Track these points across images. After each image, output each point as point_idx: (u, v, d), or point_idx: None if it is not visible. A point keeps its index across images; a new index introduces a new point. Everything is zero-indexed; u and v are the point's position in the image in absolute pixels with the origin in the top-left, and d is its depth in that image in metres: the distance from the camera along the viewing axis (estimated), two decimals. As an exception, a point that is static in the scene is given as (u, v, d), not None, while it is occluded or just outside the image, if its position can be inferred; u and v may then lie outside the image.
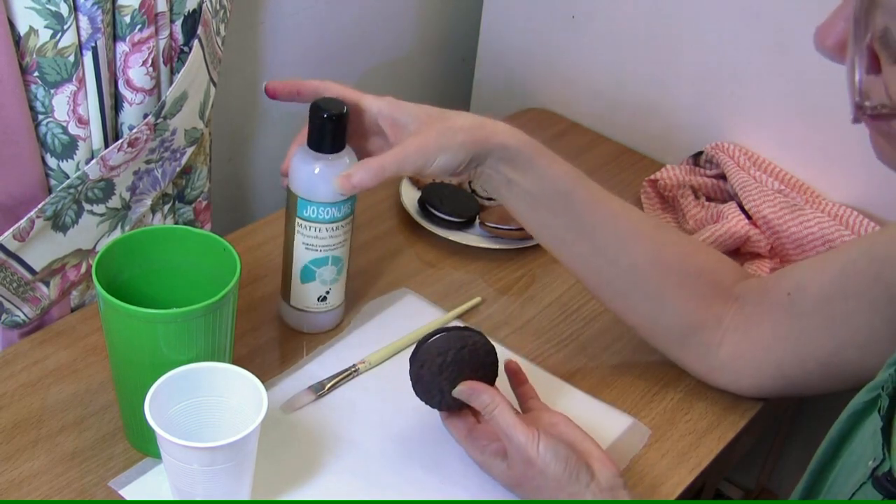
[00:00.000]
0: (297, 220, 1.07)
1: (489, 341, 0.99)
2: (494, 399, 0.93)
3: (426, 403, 0.99)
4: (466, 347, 0.97)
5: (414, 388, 0.99)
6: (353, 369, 1.09)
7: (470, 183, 1.40)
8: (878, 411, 0.76)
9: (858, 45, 0.60)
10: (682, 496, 1.02)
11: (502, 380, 1.02)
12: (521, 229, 1.28)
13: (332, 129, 1.02)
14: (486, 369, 0.98)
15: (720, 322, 1.05)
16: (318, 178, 1.03)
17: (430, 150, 0.97)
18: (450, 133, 0.98)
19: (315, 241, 1.08)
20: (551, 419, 0.97)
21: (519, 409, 1.00)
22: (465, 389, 0.95)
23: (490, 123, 1.01)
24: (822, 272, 0.99)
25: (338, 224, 1.07)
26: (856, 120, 0.63)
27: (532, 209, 1.03)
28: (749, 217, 1.33)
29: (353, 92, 1.03)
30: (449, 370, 0.96)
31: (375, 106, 1.02)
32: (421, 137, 0.98)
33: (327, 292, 1.13)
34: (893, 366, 0.78)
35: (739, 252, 1.33)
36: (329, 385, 1.07)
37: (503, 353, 1.14)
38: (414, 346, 0.99)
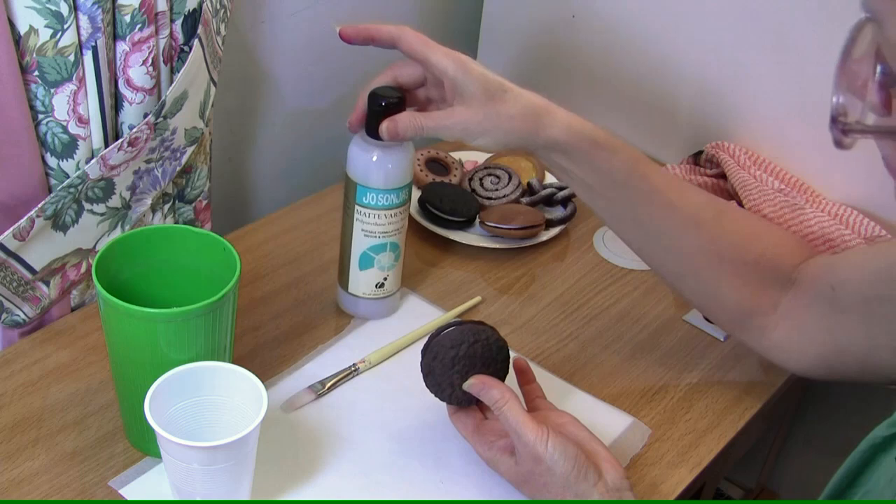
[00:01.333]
0: (356, 206, 1.09)
1: (501, 337, 0.99)
2: (504, 395, 0.93)
3: (436, 396, 0.99)
4: (479, 342, 0.97)
5: (425, 381, 0.99)
6: (352, 369, 1.09)
7: (470, 182, 1.40)
8: None
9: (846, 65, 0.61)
10: (683, 495, 1.02)
11: (510, 378, 1.01)
12: (522, 228, 1.28)
13: (390, 116, 1.03)
14: (497, 365, 0.98)
15: (776, 306, 1.04)
16: (376, 165, 1.06)
17: (471, 129, 0.98)
18: (497, 119, 0.98)
19: (374, 228, 1.10)
20: (559, 419, 0.96)
21: (525, 407, 1.00)
22: (475, 383, 0.95)
23: (546, 113, 1.00)
24: (864, 271, 0.99)
25: (395, 210, 1.09)
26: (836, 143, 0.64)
27: (587, 195, 1.04)
28: (749, 216, 1.33)
29: (423, 45, 1.02)
30: (461, 363, 0.96)
31: (442, 64, 1.00)
32: (468, 114, 0.98)
33: (385, 279, 1.14)
34: None
35: (739, 251, 1.33)
36: (329, 384, 1.07)
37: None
38: (426, 339, 0.99)
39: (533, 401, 1.02)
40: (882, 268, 0.97)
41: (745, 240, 1.05)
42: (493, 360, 0.98)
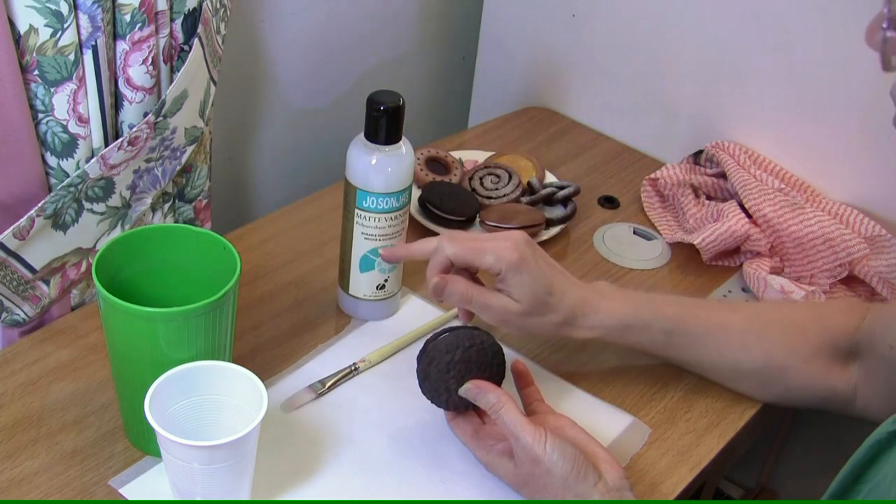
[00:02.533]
0: (356, 210, 1.09)
1: (497, 342, 1.00)
2: (501, 398, 0.93)
3: (432, 402, 0.99)
4: (475, 346, 0.97)
5: (421, 387, 0.99)
6: (353, 368, 1.09)
7: (470, 181, 1.40)
8: None
9: None
10: (682, 495, 1.02)
11: (507, 381, 1.01)
12: (522, 228, 1.28)
13: (389, 121, 1.04)
14: (493, 369, 0.98)
15: (850, 381, 1.05)
16: (375, 169, 1.06)
17: (511, 323, 1.03)
18: (539, 322, 1.03)
19: (374, 231, 1.10)
20: (557, 422, 0.97)
21: (523, 411, 1.00)
22: (471, 388, 0.95)
23: (582, 313, 1.04)
24: None
25: (396, 213, 1.10)
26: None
27: (643, 353, 1.10)
28: (749, 216, 1.33)
29: (470, 251, 1.02)
30: (457, 368, 0.96)
31: (494, 266, 1.01)
32: (513, 307, 1.01)
33: (385, 280, 1.15)
34: None
35: (740, 251, 1.33)
36: (329, 384, 1.07)
37: (506, 353, 1.14)
38: (422, 344, 1.00)
39: (531, 404, 1.02)
40: None
41: (799, 338, 1.07)
42: (489, 364, 0.98)
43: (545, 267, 1.03)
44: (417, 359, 0.99)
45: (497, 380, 0.98)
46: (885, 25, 0.63)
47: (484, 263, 1.00)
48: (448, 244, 1.01)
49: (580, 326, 1.04)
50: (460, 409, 0.99)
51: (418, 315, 1.19)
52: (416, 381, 0.99)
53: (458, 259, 1.01)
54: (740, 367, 1.08)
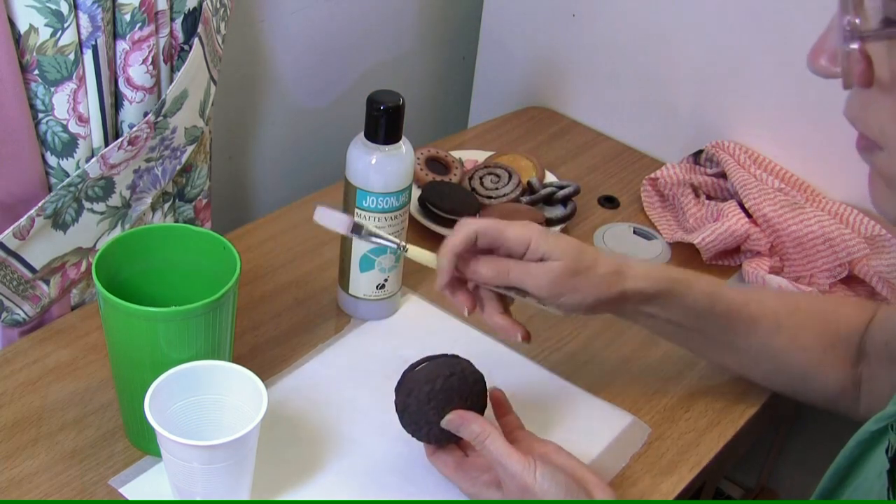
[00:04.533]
0: (356, 210, 1.09)
1: (477, 370, 0.96)
2: (485, 429, 0.90)
3: (413, 435, 0.95)
4: (454, 375, 0.93)
5: (400, 420, 0.95)
6: (400, 245, 1.01)
7: (470, 181, 1.40)
8: (887, 451, 0.75)
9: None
10: (683, 494, 1.02)
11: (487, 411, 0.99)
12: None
13: (389, 120, 1.04)
14: (475, 398, 0.95)
15: (857, 381, 1.05)
16: (376, 168, 1.06)
17: (560, 284, 0.95)
18: (587, 277, 0.97)
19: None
20: (543, 448, 0.94)
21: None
22: (454, 419, 0.92)
23: (627, 268, 0.99)
24: None
25: (396, 213, 1.10)
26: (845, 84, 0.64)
27: (681, 336, 1.07)
28: (749, 215, 1.33)
29: (496, 228, 0.98)
30: (437, 399, 0.92)
31: (522, 237, 0.97)
32: (559, 268, 0.95)
33: (385, 280, 1.14)
34: None
35: (740, 250, 1.33)
36: (371, 233, 1.01)
37: (503, 352, 1.14)
38: (399, 376, 0.96)
39: (512, 432, 0.99)
40: None
41: (821, 326, 1.06)
42: (471, 392, 0.94)
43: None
44: (395, 391, 0.95)
45: (479, 408, 0.95)
46: (843, 40, 0.62)
47: (510, 234, 0.96)
48: (471, 222, 0.97)
49: (631, 276, 0.98)
50: (441, 441, 0.95)
51: (418, 315, 1.19)
52: None
53: (484, 232, 0.96)
54: (766, 353, 1.05)
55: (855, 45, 0.61)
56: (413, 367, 0.95)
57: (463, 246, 0.96)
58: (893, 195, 0.66)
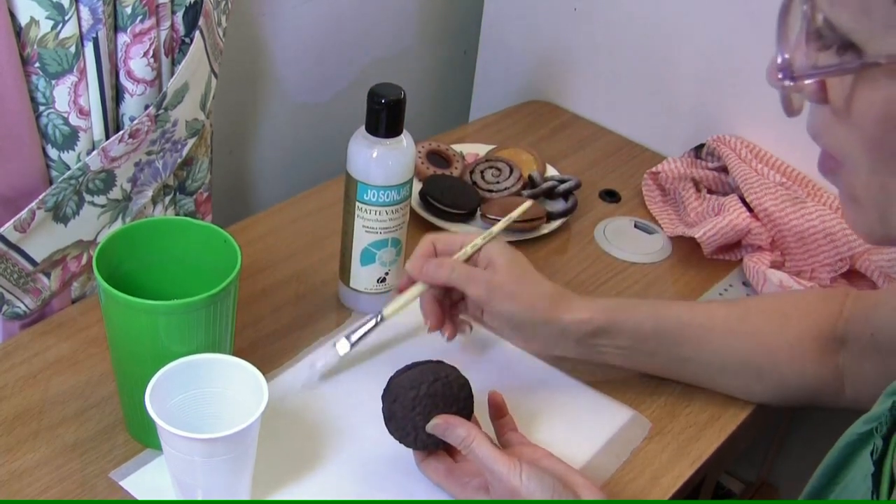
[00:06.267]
0: (357, 203, 1.09)
1: (462, 375, 0.96)
2: (471, 432, 0.90)
3: (400, 441, 0.95)
4: (439, 380, 0.93)
5: (387, 426, 0.95)
6: (378, 318, 1.06)
7: (471, 174, 1.40)
8: (872, 454, 0.75)
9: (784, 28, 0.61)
10: (683, 489, 1.02)
11: (483, 412, 0.99)
12: (523, 221, 1.28)
13: (390, 114, 1.04)
14: (460, 403, 0.94)
15: (838, 371, 1.04)
16: (377, 162, 1.06)
17: (499, 289, 1.01)
18: (527, 288, 1.02)
19: (375, 224, 1.10)
20: (533, 453, 0.94)
21: (497, 443, 0.96)
22: (439, 423, 0.92)
23: (568, 297, 1.03)
24: None
25: (397, 206, 1.09)
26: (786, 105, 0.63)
27: (631, 359, 1.07)
28: (750, 210, 1.33)
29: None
30: (422, 404, 0.92)
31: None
32: (500, 275, 1.01)
33: (386, 274, 1.15)
34: (892, 397, 0.77)
35: (741, 245, 1.33)
36: (356, 339, 1.06)
37: (504, 347, 1.14)
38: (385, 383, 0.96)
39: (505, 434, 0.99)
40: None
41: (781, 321, 1.06)
42: (456, 398, 0.94)
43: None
44: (381, 398, 0.95)
45: (465, 414, 0.95)
46: (780, 76, 0.61)
47: (468, 236, 1.04)
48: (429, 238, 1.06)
49: (572, 307, 1.02)
50: (430, 447, 0.95)
51: (419, 309, 1.19)
52: None
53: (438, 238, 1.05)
54: (729, 360, 1.06)
55: (789, 83, 0.60)
56: (398, 373, 0.95)
57: (425, 251, 1.04)
58: (863, 212, 0.64)
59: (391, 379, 0.95)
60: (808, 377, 1.05)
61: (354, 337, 1.06)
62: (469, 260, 1.04)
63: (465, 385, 0.95)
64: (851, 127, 0.59)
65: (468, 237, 1.04)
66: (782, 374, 1.06)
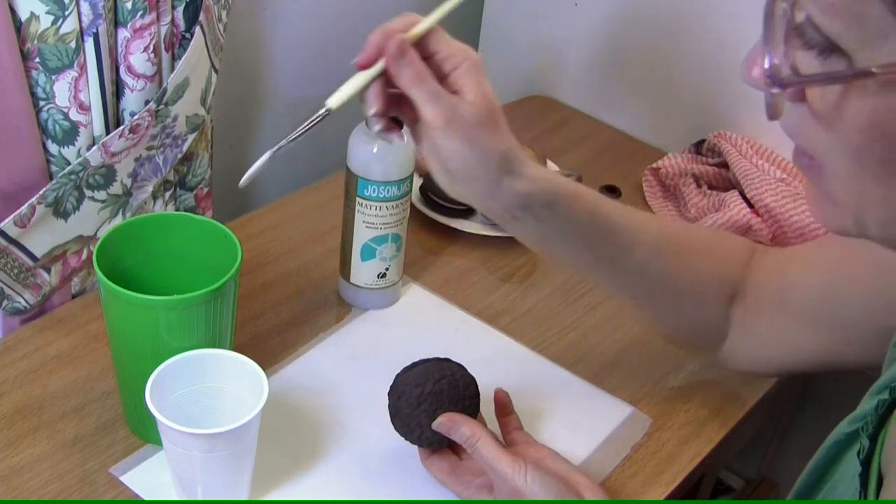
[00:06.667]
0: (358, 199, 1.09)
1: (469, 373, 0.95)
2: (475, 431, 0.90)
3: (406, 438, 0.95)
4: (445, 378, 0.93)
5: (392, 422, 0.95)
6: (325, 111, 0.93)
7: (472, 171, 1.40)
8: (858, 454, 0.74)
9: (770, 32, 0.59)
10: (683, 485, 1.02)
11: (488, 409, 0.99)
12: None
13: None
14: (466, 402, 0.94)
15: (729, 317, 1.03)
16: (377, 157, 1.06)
17: (459, 130, 0.85)
18: (486, 139, 0.86)
19: (375, 220, 1.10)
20: (537, 453, 0.93)
21: (502, 440, 0.97)
22: (444, 422, 0.91)
23: (518, 164, 0.89)
24: (815, 273, 0.98)
25: (397, 202, 1.10)
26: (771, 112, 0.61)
27: (550, 245, 0.97)
28: (751, 205, 1.33)
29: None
30: (427, 402, 0.92)
31: (456, 52, 0.88)
32: (468, 109, 0.85)
33: (387, 269, 1.15)
34: (877, 396, 0.77)
35: (741, 241, 1.33)
36: (298, 135, 0.94)
37: (504, 342, 1.14)
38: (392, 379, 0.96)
39: (510, 433, 0.98)
40: (836, 266, 0.96)
41: (700, 259, 1.02)
42: (462, 396, 0.94)
43: None
44: (388, 395, 0.95)
45: (471, 412, 0.94)
46: (769, 82, 0.59)
47: (448, 48, 0.88)
48: (411, 15, 0.90)
49: (519, 174, 0.88)
50: (434, 445, 0.95)
51: (419, 304, 1.19)
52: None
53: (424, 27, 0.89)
54: (643, 277, 0.99)
55: (778, 90, 0.59)
56: (404, 370, 0.95)
57: (400, 29, 0.88)
58: (838, 211, 0.62)
59: (398, 376, 0.95)
60: (705, 315, 1.02)
61: (296, 134, 0.94)
62: (434, 63, 0.88)
63: (471, 383, 0.95)
64: (834, 132, 0.58)
65: (449, 39, 0.89)
66: (681, 305, 1.02)
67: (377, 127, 0.89)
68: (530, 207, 0.90)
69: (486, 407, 0.98)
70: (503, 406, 1.00)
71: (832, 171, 0.60)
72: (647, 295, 1.01)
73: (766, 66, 0.58)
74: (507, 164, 0.87)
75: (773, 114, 0.62)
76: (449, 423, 0.91)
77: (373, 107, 0.88)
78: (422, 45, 0.88)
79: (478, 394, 0.95)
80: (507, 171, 0.87)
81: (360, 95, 0.88)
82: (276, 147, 0.89)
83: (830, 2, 0.53)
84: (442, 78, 0.87)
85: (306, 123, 0.91)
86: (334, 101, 0.89)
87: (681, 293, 1.01)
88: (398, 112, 0.89)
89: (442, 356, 0.96)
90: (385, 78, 0.87)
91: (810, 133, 0.60)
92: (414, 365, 0.95)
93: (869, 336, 0.91)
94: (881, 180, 0.57)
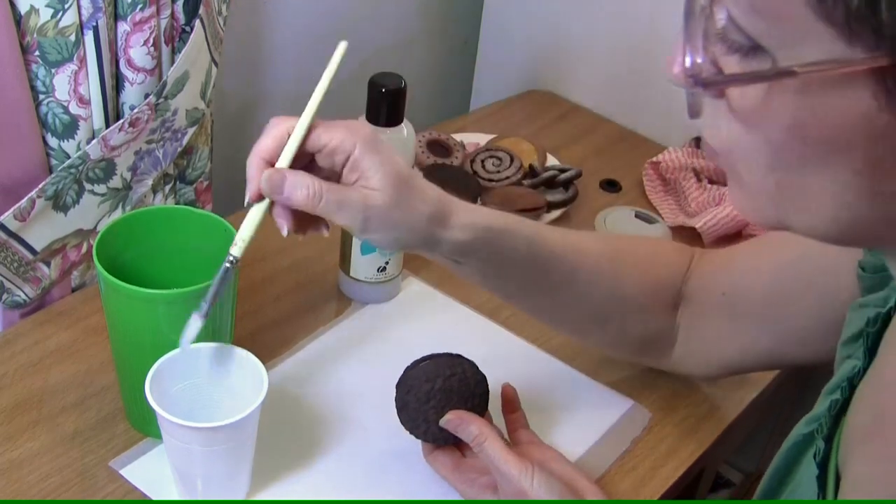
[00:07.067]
0: None
1: (479, 371, 0.95)
2: (483, 430, 0.89)
3: (410, 433, 0.94)
4: (456, 375, 0.92)
5: (399, 416, 0.94)
6: (231, 262, 0.84)
7: (472, 164, 1.40)
8: (815, 457, 0.74)
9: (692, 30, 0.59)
10: (682, 479, 1.02)
11: (492, 405, 0.98)
12: (523, 211, 1.28)
13: (390, 103, 1.04)
14: (476, 399, 0.93)
15: (675, 324, 1.03)
16: None
17: (376, 215, 0.82)
18: (408, 210, 0.83)
19: None
20: (543, 454, 0.93)
21: (507, 437, 0.96)
22: (452, 419, 0.91)
23: (451, 212, 0.87)
24: (756, 274, 0.98)
25: None
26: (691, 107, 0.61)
27: (484, 280, 0.95)
28: (751, 200, 1.33)
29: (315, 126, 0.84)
30: (437, 398, 0.91)
31: (337, 138, 0.82)
32: (377, 197, 0.81)
33: (387, 263, 1.15)
34: (829, 396, 0.76)
35: (741, 235, 1.33)
36: (210, 300, 0.85)
37: (504, 336, 1.14)
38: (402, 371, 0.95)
39: (516, 431, 0.98)
40: (777, 267, 0.96)
41: (642, 272, 1.02)
42: (472, 394, 0.93)
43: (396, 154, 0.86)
44: (396, 387, 0.94)
45: (479, 410, 0.93)
46: (691, 82, 0.59)
47: (333, 138, 0.82)
48: (283, 120, 0.84)
49: (451, 226, 0.86)
50: (439, 441, 0.94)
51: (419, 298, 1.19)
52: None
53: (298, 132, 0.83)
54: (586, 302, 0.99)
55: (700, 90, 0.59)
56: (415, 364, 0.94)
57: (273, 147, 0.83)
58: (754, 201, 0.61)
59: (407, 369, 0.94)
60: (650, 328, 1.02)
61: (209, 299, 0.84)
62: (324, 162, 0.83)
63: (482, 381, 0.94)
64: (755, 131, 0.57)
65: (328, 130, 0.83)
66: (626, 322, 1.02)
67: (303, 237, 0.86)
68: (469, 252, 0.89)
69: (491, 403, 0.97)
70: (510, 402, 1.00)
71: (751, 167, 0.59)
72: (593, 318, 1.01)
73: (688, 64, 0.57)
74: (436, 221, 0.86)
75: (693, 112, 0.61)
76: (457, 421, 0.91)
77: (284, 228, 0.84)
78: (308, 143, 0.83)
79: (487, 391, 0.95)
80: (440, 226, 0.86)
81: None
82: (204, 312, 0.85)
83: (752, 1, 0.53)
84: (339, 169, 0.83)
85: (218, 279, 0.84)
86: (237, 249, 0.83)
87: (626, 309, 1.01)
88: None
89: (445, 351, 0.95)
90: None
91: (728, 131, 0.59)
92: (424, 359, 0.94)
93: (814, 332, 0.91)
94: (799, 176, 0.57)
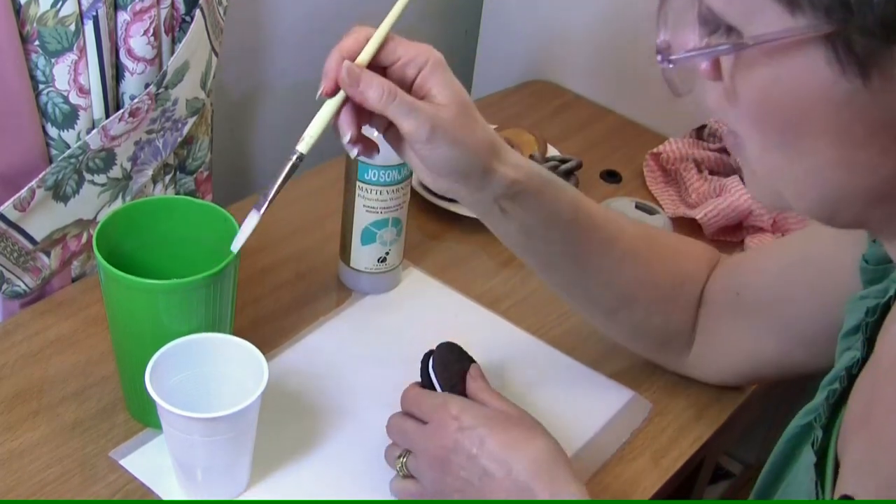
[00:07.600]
0: (358, 183, 1.09)
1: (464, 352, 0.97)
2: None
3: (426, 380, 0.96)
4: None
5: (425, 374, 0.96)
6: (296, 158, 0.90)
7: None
8: (812, 445, 0.75)
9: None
10: (683, 470, 1.02)
11: (490, 370, 0.99)
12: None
13: None
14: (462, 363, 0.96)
15: (694, 324, 1.03)
16: (378, 141, 1.05)
17: (441, 128, 0.83)
18: (469, 131, 0.85)
19: (376, 204, 1.10)
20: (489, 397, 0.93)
21: (500, 393, 0.94)
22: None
23: (504, 149, 0.89)
24: (763, 274, 0.98)
25: (397, 186, 1.10)
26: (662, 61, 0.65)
27: (527, 240, 0.95)
28: (752, 191, 1.32)
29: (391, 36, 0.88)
30: (457, 387, 0.93)
31: (421, 55, 0.86)
32: (445, 111, 0.84)
33: (387, 253, 1.15)
34: (827, 387, 0.77)
35: (742, 226, 1.33)
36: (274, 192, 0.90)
37: (505, 326, 1.14)
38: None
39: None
40: (781, 268, 0.96)
41: (673, 262, 1.02)
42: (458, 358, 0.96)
43: None
44: (426, 358, 0.96)
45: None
46: (659, 58, 0.63)
47: (408, 52, 0.85)
48: (362, 28, 0.85)
49: (506, 161, 0.87)
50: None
51: (420, 289, 1.19)
52: (418, 361, 0.96)
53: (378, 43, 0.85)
54: (619, 275, 0.98)
55: (665, 66, 0.62)
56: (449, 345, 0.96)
57: (355, 49, 0.84)
58: (760, 184, 0.65)
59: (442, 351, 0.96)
60: (672, 323, 1.02)
61: (270, 194, 0.91)
62: (395, 75, 0.86)
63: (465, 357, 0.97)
64: (737, 107, 0.61)
65: (406, 43, 0.87)
66: (651, 309, 1.01)
67: (354, 152, 0.87)
68: (519, 196, 0.89)
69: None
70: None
71: (747, 144, 0.63)
72: (621, 298, 1.01)
73: (658, 42, 0.63)
74: (493, 152, 0.87)
75: (674, 90, 0.66)
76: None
77: (346, 135, 0.85)
78: (382, 54, 0.85)
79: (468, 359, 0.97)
80: (496, 158, 0.87)
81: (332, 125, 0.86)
82: (261, 207, 0.89)
83: None
84: (408, 83, 0.85)
85: (282, 175, 0.89)
86: (304, 146, 0.87)
87: (653, 295, 1.01)
88: (373, 123, 0.87)
89: (445, 341, 0.97)
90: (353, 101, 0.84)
91: (724, 110, 0.63)
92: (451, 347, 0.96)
93: (820, 336, 0.91)
94: (785, 152, 0.60)
